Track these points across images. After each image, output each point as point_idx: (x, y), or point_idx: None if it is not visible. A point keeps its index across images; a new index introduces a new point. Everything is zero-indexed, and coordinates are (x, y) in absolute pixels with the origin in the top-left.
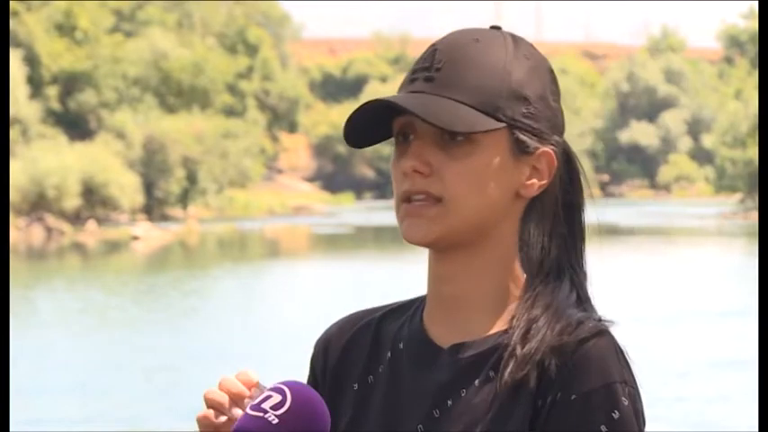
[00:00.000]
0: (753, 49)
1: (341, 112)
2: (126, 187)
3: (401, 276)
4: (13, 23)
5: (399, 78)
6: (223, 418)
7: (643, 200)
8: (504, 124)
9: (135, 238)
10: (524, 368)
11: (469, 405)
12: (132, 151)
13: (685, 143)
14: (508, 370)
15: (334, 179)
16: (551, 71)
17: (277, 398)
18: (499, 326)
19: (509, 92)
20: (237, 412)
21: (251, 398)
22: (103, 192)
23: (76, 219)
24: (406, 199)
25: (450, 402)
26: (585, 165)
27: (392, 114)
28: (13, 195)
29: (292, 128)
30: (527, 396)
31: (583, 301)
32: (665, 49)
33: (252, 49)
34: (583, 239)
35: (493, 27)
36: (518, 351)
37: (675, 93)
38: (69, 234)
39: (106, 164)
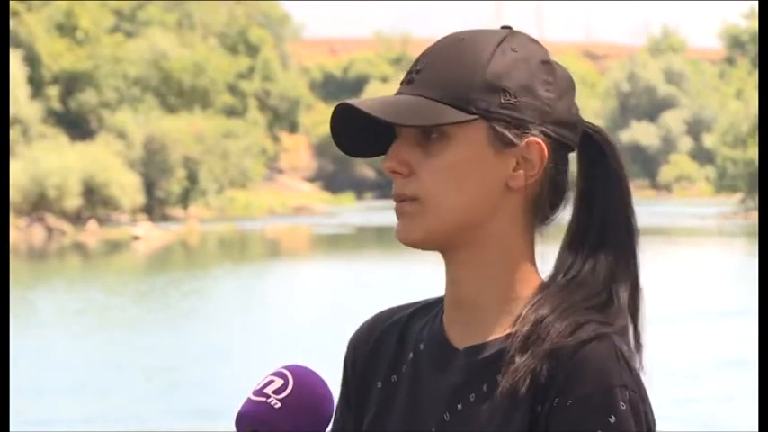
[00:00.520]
0: (754, 49)
1: None
2: (127, 187)
3: (402, 277)
4: (13, 23)
5: (400, 78)
6: None
7: (644, 200)
8: (475, 116)
9: (136, 238)
10: (522, 374)
11: (476, 410)
12: (133, 151)
13: (686, 143)
14: (507, 376)
15: (334, 179)
16: (546, 62)
17: (279, 382)
18: (510, 327)
19: (483, 84)
20: None
21: None
22: (104, 192)
23: (77, 219)
24: (395, 199)
25: (460, 406)
26: None
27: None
28: (14, 195)
29: (293, 128)
30: (527, 401)
31: (606, 305)
32: (666, 49)
33: (253, 50)
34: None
35: (504, 27)
36: (517, 357)
37: (676, 93)
38: (70, 234)
39: (107, 164)
